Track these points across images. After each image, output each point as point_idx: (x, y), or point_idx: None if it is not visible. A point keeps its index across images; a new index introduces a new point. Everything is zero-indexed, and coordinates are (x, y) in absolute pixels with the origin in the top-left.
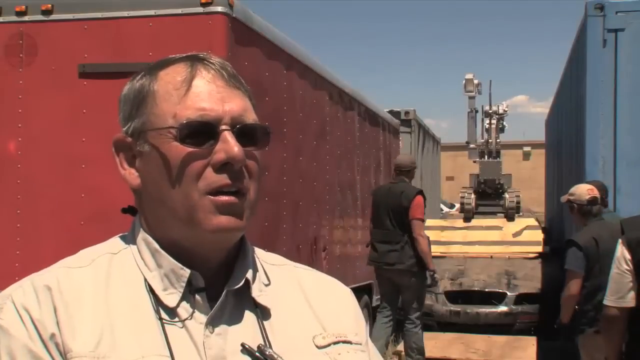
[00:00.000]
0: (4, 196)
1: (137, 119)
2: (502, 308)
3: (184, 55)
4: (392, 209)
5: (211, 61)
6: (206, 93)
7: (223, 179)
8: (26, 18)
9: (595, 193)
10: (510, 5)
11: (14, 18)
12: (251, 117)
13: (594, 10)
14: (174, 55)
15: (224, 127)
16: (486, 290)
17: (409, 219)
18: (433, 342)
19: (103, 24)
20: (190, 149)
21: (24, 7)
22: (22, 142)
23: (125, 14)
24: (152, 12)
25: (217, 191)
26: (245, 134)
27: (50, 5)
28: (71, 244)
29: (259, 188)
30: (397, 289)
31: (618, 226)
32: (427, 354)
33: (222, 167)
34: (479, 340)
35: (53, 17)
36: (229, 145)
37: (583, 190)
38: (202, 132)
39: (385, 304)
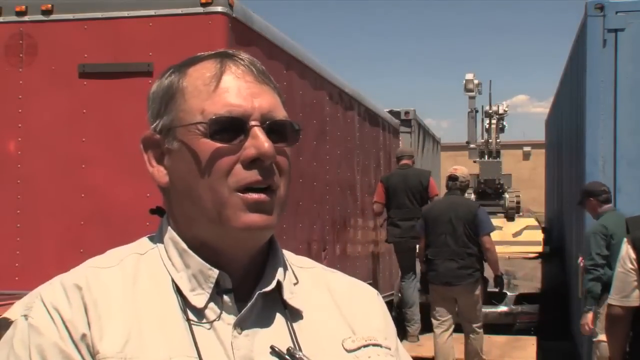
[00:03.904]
0: (4, 196)
1: (165, 116)
2: (502, 308)
3: (213, 52)
4: (411, 190)
5: (240, 57)
6: (235, 89)
7: (253, 175)
8: (26, 18)
9: (456, 172)
10: (511, 5)
11: (14, 18)
12: (281, 114)
13: (594, 10)
14: (202, 53)
15: (253, 122)
16: (487, 290)
17: (428, 197)
18: (433, 341)
19: (103, 24)
20: (219, 145)
21: (24, 7)
22: (22, 142)
23: (125, 14)
24: (152, 12)
25: (247, 188)
26: (275, 130)
27: (50, 5)
28: (71, 244)
29: (289, 185)
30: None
31: (459, 199)
32: (427, 354)
33: (252, 163)
34: None
35: (53, 17)
36: (259, 141)
37: (451, 169)
38: (231, 127)
39: (406, 273)
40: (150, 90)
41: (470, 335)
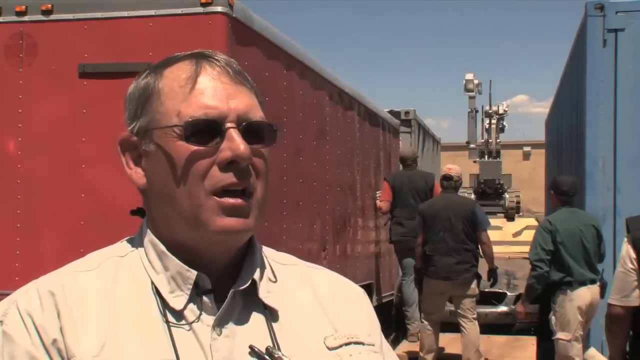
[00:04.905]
0: (4, 196)
1: (142, 117)
2: (502, 308)
3: (189, 52)
4: (417, 190)
5: (216, 58)
6: (211, 90)
7: (229, 177)
8: (26, 18)
9: (451, 172)
10: (511, 5)
11: (14, 18)
12: (257, 115)
13: (594, 10)
14: (179, 53)
15: (229, 124)
16: (486, 290)
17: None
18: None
19: (103, 24)
20: (195, 148)
21: (24, 7)
22: (22, 142)
23: (125, 14)
24: (152, 12)
25: (224, 191)
26: (251, 131)
27: (50, 5)
28: (71, 244)
29: (267, 186)
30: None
31: (456, 198)
32: None
33: (229, 165)
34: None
35: (53, 17)
36: (235, 143)
37: (445, 168)
38: (207, 130)
39: (407, 272)
40: (127, 91)
41: (466, 326)
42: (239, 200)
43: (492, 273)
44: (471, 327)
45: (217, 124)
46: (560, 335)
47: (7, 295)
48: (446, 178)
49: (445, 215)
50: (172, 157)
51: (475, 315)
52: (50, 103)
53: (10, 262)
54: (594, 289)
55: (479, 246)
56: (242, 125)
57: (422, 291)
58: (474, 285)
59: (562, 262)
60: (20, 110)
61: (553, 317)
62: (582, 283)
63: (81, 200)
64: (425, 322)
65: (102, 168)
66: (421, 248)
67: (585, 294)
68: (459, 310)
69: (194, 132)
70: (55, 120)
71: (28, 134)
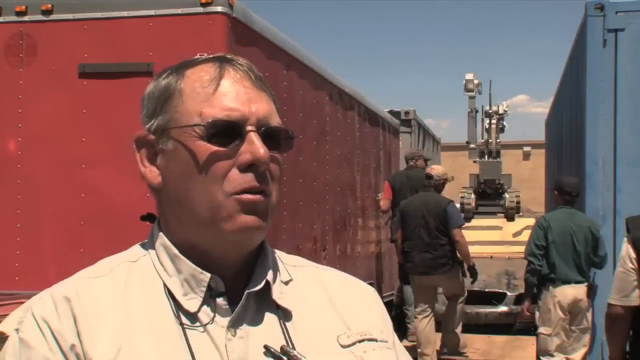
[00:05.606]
0: (4, 196)
1: (161, 116)
2: (502, 308)
3: (212, 55)
4: (415, 188)
5: (239, 62)
6: (233, 93)
7: (249, 180)
8: (26, 18)
9: (432, 172)
10: (511, 5)
11: (14, 18)
12: (276, 120)
13: (594, 10)
14: (200, 55)
15: (250, 127)
16: (486, 290)
17: None
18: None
19: (103, 24)
20: (215, 148)
21: (24, 7)
22: (22, 142)
23: (125, 13)
24: (152, 12)
25: (242, 191)
26: (269, 136)
27: (50, 5)
28: (71, 244)
29: (280, 192)
30: None
31: (432, 196)
32: None
33: (247, 168)
34: (479, 340)
35: (53, 17)
36: (255, 146)
37: (428, 168)
38: (228, 131)
39: None
40: (145, 90)
41: (452, 302)
42: (258, 196)
43: (471, 270)
44: (455, 305)
45: (239, 127)
46: (541, 329)
47: (7, 295)
48: (427, 177)
49: (420, 212)
50: (191, 157)
51: (461, 299)
52: (50, 103)
53: (10, 262)
54: (579, 287)
55: (455, 244)
56: (261, 129)
57: (412, 287)
58: (455, 275)
59: (549, 260)
60: (20, 110)
61: (537, 313)
62: (566, 282)
63: (81, 200)
64: (419, 317)
65: (102, 168)
66: (400, 243)
67: (567, 291)
68: (448, 296)
69: (215, 133)
70: (55, 120)
71: (28, 134)
